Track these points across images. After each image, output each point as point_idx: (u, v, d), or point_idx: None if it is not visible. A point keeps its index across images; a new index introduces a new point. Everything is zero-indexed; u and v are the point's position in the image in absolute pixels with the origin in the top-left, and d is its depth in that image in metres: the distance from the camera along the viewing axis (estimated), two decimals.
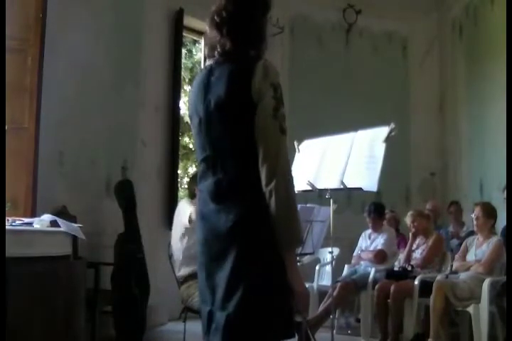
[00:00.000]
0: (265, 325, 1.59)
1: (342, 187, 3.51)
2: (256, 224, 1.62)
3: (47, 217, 3.32)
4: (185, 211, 3.69)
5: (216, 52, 1.75)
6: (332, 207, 3.61)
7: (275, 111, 1.65)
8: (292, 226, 1.62)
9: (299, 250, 3.89)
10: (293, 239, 1.63)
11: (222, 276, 1.63)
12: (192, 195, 3.82)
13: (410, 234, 4.97)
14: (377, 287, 4.60)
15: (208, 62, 1.80)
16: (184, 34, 6.15)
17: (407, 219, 4.98)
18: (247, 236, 1.62)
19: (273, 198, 1.59)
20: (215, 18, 1.74)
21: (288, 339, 1.64)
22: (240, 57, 1.71)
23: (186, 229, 3.62)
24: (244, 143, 1.65)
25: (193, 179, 3.73)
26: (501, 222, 4.67)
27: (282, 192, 1.60)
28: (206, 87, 1.74)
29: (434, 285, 4.17)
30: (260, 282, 1.59)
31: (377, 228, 5.28)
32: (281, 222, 1.60)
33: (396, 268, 4.80)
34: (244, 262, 1.61)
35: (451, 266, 4.62)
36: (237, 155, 1.67)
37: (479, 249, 4.40)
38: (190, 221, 3.56)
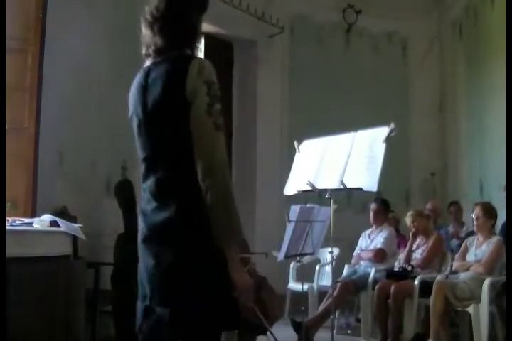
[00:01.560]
0: (209, 318, 1.64)
1: (342, 187, 3.51)
2: (192, 219, 1.65)
3: (47, 217, 3.31)
4: None
5: (151, 51, 1.78)
6: (332, 207, 3.61)
7: (209, 107, 1.65)
8: (230, 220, 1.64)
9: (299, 250, 3.90)
10: (232, 233, 1.65)
11: (161, 272, 1.69)
12: None
13: (410, 234, 4.96)
14: (377, 287, 4.60)
15: (146, 64, 1.83)
16: None
17: (407, 219, 4.97)
18: (184, 232, 1.65)
19: (209, 194, 1.61)
20: (147, 16, 1.79)
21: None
22: (174, 57, 1.73)
23: None
24: (181, 142, 1.67)
25: None
26: (501, 221, 4.67)
27: (219, 188, 1.62)
28: (144, 88, 1.76)
29: (434, 285, 4.17)
30: (200, 277, 1.64)
31: (378, 222, 5.26)
32: (218, 217, 1.62)
33: (396, 269, 4.80)
34: (182, 258, 1.65)
35: (451, 266, 4.61)
36: (176, 154, 1.69)
37: (479, 249, 4.40)
38: None
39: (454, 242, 5.51)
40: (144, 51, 1.83)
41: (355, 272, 5.09)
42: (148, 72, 1.78)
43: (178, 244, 1.66)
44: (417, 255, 4.85)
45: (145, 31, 1.81)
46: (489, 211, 4.42)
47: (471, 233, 4.91)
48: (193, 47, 1.78)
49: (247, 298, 1.70)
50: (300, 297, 4.65)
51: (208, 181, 1.62)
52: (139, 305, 1.79)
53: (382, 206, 5.29)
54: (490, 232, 4.43)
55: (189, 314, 1.64)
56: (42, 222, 3.22)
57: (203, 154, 1.63)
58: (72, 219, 3.88)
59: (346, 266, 5.30)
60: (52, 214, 3.46)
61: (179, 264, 1.65)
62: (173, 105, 1.67)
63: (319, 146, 3.86)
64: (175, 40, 1.75)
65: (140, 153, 1.81)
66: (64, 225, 3.25)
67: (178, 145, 1.68)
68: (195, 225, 1.65)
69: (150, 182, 1.74)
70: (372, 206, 5.29)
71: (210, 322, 1.65)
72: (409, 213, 5.00)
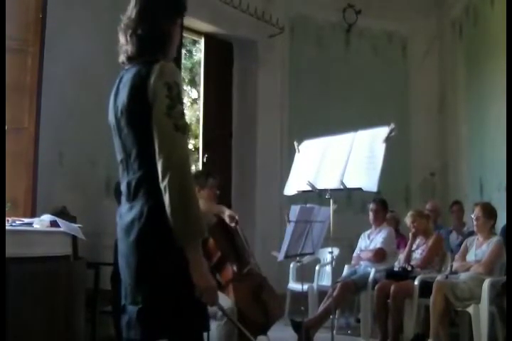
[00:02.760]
0: (176, 317, 1.68)
1: (342, 187, 3.50)
2: (154, 219, 1.68)
3: (47, 217, 3.31)
4: None
5: (124, 59, 1.84)
6: (332, 207, 3.61)
7: (169, 109, 1.69)
8: (189, 220, 1.65)
9: (299, 250, 3.90)
10: (191, 234, 1.66)
11: (130, 273, 1.74)
12: None
13: (410, 234, 4.96)
14: (377, 287, 4.60)
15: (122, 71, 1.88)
16: (184, 34, 6.15)
17: (407, 220, 4.98)
18: (145, 232, 1.69)
19: (167, 193, 1.64)
20: (122, 24, 1.84)
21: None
22: (142, 62, 1.78)
23: None
24: (147, 144, 1.70)
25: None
26: (501, 221, 4.67)
27: (176, 187, 1.64)
28: (116, 94, 1.85)
29: (434, 285, 4.17)
30: (164, 276, 1.68)
31: (378, 222, 5.27)
32: (177, 217, 1.64)
33: (396, 269, 4.80)
34: (146, 257, 1.70)
35: (451, 266, 4.62)
36: (143, 156, 1.74)
37: (479, 249, 4.40)
38: None
39: (455, 241, 5.50)
40: (120, 59, 1.87)
41: (355, 272, 5.09)
42: (121, 79, 1.85)
43: (141, 244, 1.70)
44: (417, 255, 4.85)
45: (121, 39, 1.85)
46: (489, 211, 4.42)
47: (471, 233, 4.90)
48: (166, 52, 1.83)
49: (210, 298, 1.72)
50: (300, 297, 4.65)
51: (165, 182, 1.64)
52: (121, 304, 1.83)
53: (380, 206, 5.31)
54: (490, 232, 4.43)
55: (153, 313, 1.68)
56: (42, 222, 3.22)
57: (162, 155, 1.66)
58: (72, 219, 3.89)
59: (346, 266, 5.30)
60: (52, 214, 3.46)
61: (143, 265, 1.70)
62: (138, 108, 1.73)
63: (319, 146, 3.86)
64: (144, 48, 1.79)
65: (117, 157, 1.86)
66: (64, 225, 3.25)
67: (144, 147, 1.72)
68: (156, 225, 1.68)
69: (124, 184, 1.80)
70: (371, 206, 5.31)
71: (175, 322, 1.68)
72: (409, 213, 5.00)
